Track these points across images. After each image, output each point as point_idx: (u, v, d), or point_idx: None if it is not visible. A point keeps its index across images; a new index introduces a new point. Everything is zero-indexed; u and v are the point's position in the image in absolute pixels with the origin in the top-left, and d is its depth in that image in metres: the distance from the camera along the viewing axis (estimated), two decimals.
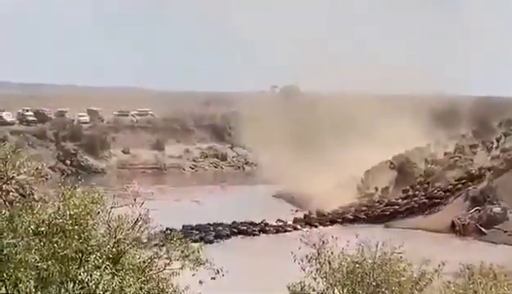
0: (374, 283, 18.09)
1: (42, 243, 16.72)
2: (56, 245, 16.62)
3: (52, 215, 17.10)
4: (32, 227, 16.90)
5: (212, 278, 19.05)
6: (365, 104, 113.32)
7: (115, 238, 18.18)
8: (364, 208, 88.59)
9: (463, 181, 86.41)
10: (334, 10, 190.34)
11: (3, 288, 16.36)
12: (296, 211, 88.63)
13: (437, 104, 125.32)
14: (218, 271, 19.12)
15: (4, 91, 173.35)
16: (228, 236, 77.08)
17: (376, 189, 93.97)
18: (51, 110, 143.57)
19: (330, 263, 18.69)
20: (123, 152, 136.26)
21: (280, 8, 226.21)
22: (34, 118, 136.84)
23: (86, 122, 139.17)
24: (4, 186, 18.63)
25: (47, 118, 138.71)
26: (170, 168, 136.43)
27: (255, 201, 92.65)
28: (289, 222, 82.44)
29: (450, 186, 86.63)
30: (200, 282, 18.75)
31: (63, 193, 17.91)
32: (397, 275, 18.24)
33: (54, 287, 15.98)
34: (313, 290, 18.88)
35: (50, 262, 16.41)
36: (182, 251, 18.84)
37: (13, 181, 18.79)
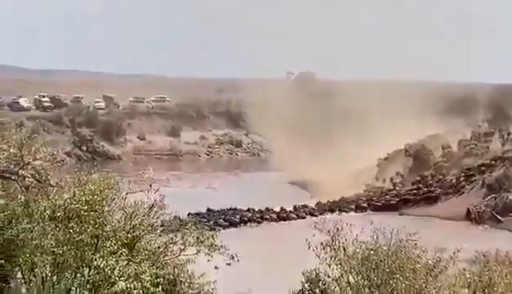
0: (388, 270, 18.06)
1: (57, 229, 16.79)
2: (71, 230, 16.69)
3: (68, 200, 17.17)
4: (48, 212, 16.98)
5: (227, 264, 19.10)
6: (380, 91, 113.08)
7: (131, 223, 18.24)
8: (378, 196, 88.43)
9: (479, 169, 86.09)
10: None
11: (19, 273, 16.46)
12: (311, 197, 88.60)
13: (453, 92, 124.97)
14: (233, 257, 19.16)
15: (21, 77, 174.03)
16: (242, 222, 77.20)
17: (391, 177, 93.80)
18: (66, 96, 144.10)
19: (344, 250, 18.68)
20: (139, 138, 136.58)
21: None
22: (50, 104, 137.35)
23: (101, 108, 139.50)
24: (20, 171, 18.71)
25: (62, 104, 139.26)
26: (186, 155, 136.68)
27: (270, 187, 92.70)
28: (304, 209, 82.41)
29: (465, 174, 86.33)
30: (216, 267, 18.81)
31: (79, 179, 17.99)
32: (412, 262, 18.19)
33: (69, 272, 16.06)
34: (328, 277, 18.89)
35: (65, 247, 16.49)
36: (198, 238, 18.89)
37: (29, 167, 18.87)
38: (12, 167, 18.63)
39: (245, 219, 77.94)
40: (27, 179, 18.82)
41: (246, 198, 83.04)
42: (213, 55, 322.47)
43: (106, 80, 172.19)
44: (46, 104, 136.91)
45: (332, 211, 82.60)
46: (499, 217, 77.08)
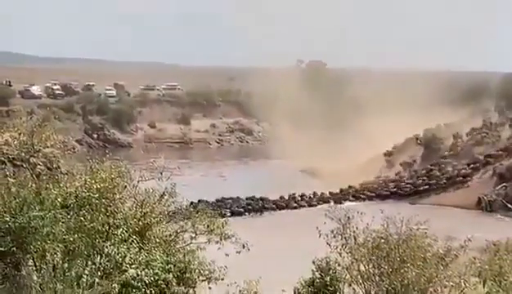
0: (399, 259, 18.08)
1: (69, 216, 16.83)
2: (82, 218, 16.74)
3: (79, 188, 17.21)
4: (59, 200, 17.03)
5: (237, 252, 19.14)
6: (391, 80, 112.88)
7: (142, 211, 18.28)
8: (389, 184, 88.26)
9: (490, 157, 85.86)
10: None
11: (31, 260, 16.52)
12: (321, 186, 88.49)
13: (464, 81, 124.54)
14: (244, 245, 19.21)
15: (32, 65, 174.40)
16: (253, 210, 77.18)
17: (402, 165, 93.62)
18: (78, 84, 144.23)
19: (355, 238, 18.71)
20: (150, 126, 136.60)
21: None
22: (62, 92, 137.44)
23: (113, 96, 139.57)
24: (31, 159, 18.75)
25: (74, 92, 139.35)
26: (196, 142, 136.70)
27: (281, 176, 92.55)
28: (314, 197, 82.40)
29: (477, 162, 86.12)
30: (226, 254, 18.86)
31: (90, 167, 18.02)
32: (423, 251, 18.21)
33: (81, 259, 16.11)
34: (338, 265, 18.91)
35: (77, 235, 16.53)
36: (208, 226, 18.94)
37: (40, 154, 18.90)
38: (23, 154, 18.67)
39: (256, 207, 77.93)
40: (38, 166, 18.86)
41: (256, 186, 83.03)
42: (224, 44, 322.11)
43: (118, 68, 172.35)
44: (57, 91, 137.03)
45: (343, 199, 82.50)
46: (510, 206, 76.93)
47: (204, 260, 18.05)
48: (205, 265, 17.80)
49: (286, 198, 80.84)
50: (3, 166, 18.23)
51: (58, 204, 16.88)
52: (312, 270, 19.20)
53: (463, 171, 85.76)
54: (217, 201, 76.57)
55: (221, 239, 18.87)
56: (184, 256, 17.85)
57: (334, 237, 18.82)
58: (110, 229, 17.01)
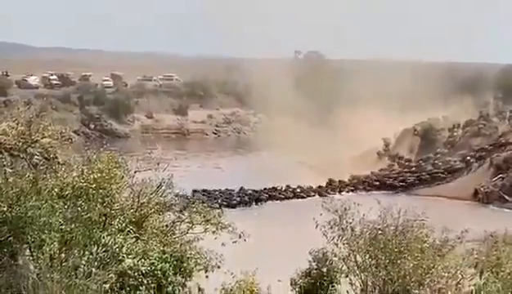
0: (396, 250, 18.08)
1: (66, 206, 16.82)
2: (79, 208, 16.73)
3: (76, 178, 17.20)
4: (56, 190, 17.02)
5: (233, 242, 19.14)
6: (389, 72, 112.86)
7: (139, 202, 18.29)
8: (386, 176, 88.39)
9: (486, 149, 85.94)
10: None
11: (28, 250, 16.51)
12: (318, 177, 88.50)
13: (462, 72, 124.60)
14: (241, 235, 19.21)
15: (29, 56, 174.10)
16: (249, 201, 77.28)
17: (399, 156, 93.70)
18: (75, 74, 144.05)
19: (352, 229, 18.69)
20: (147, 116, 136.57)
21: None
22: (59, 82, 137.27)
23: (110, 87, 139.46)
24: (28, 149, 18.72)
25: (71, 82, 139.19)
26: (193, 133, 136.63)
27: (278, 167, 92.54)
28: (311, 188, 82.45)
29: (473, 154, 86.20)
30: (223, 244, 18.86)
31: (87, 157, 18.01)
32: (420, 242, 18.21)
33: (78, 249, 16.10)
34: (335, 256, 18.90)
35: (74, 225, 16.52)
36: (204, 216, 18.95)
37: (37, 144, 18.87)
38: (21, 144, 18.64)
39: (252, 198, 78.00)
40: (35, 157, 18.83)
41: (253, 177, 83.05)
42: (222, 35, 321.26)
43: (115, 58, 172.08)
44: (54, 82, 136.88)
45: (339, 190, 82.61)
46: (506, 197, 77.05)
47: (200, 250, 18.05)
48: (202, 254, 17.80)
49: (283, 189, 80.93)
50: (0, 155, 18.18)
51: (55, 194, 16.87)
52: (309, 261, 19.20)
53: (459, 162, 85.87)
54: (212, 191, 76.85)
55: (217, 229, 18.88)
56: (181, 245, 17.87)
57: (331, 228, 18.81)
58: (106, 219, 17.02)
